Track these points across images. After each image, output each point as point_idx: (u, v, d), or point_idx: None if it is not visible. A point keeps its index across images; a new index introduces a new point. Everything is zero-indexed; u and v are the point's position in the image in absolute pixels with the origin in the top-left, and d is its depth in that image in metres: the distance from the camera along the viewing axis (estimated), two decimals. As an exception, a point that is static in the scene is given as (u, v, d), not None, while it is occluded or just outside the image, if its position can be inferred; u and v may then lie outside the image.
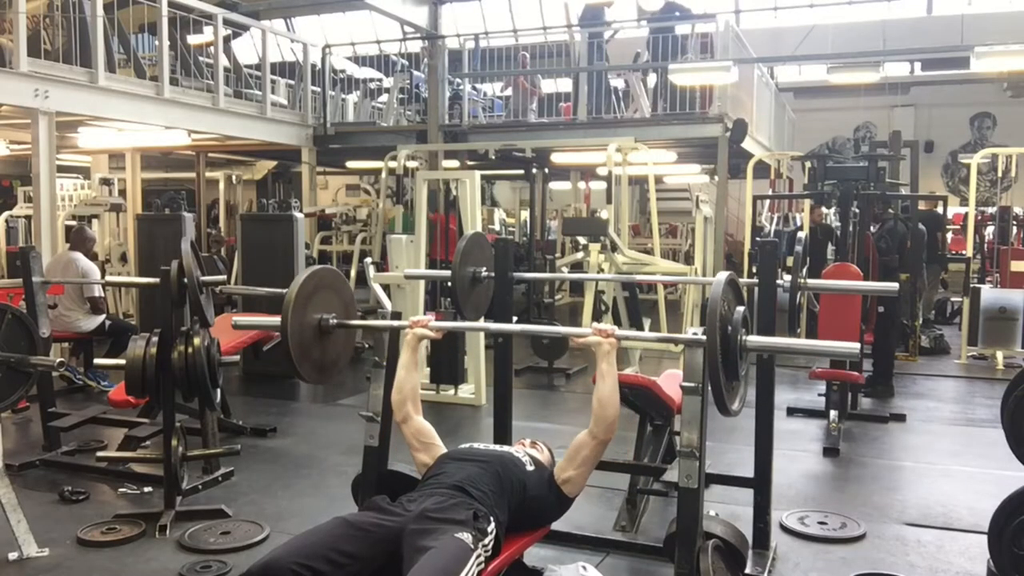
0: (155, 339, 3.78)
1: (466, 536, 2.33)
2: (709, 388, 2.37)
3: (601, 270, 6.23)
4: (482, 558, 2.36)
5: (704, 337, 2.32)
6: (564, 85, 10.97)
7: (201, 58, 9.76)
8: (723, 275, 2.44)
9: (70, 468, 4.73)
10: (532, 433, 3.36)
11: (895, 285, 3.73)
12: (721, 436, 5.13)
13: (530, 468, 2.77)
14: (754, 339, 2.50)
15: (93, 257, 7.48)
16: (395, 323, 2.92)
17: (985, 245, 10.44)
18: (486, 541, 2.41)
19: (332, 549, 2.30)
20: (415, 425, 2.87)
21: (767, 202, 10.29)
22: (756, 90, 10.60)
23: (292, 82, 11.04)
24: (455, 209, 7.55)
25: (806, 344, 2.59)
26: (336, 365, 2.84)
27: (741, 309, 2.46)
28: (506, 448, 2.93)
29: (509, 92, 11.04)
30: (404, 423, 2.87)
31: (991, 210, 10.51)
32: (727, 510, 3.64)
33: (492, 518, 2.50)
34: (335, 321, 2.75)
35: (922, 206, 8.89)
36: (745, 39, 10.59)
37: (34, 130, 6.98)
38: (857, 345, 2.42)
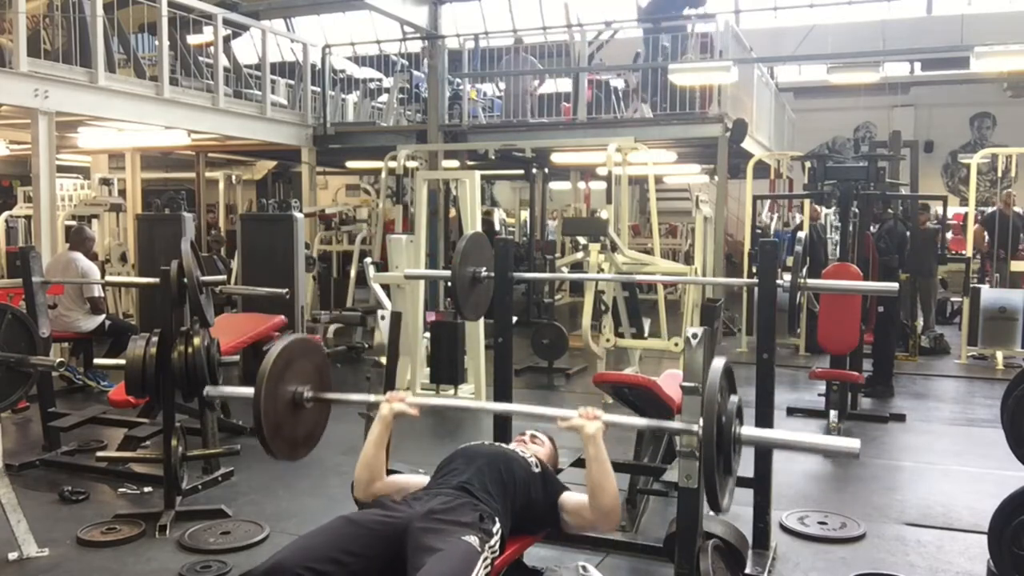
0: (155, 339, 3.78)
1: (473, 539, 2.33)
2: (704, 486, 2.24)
3: (601, 270, 6.23)
4: (488, 560, 2.35)
5: (697, 428, 2.22)
6: (564, 85, 10.95)
7: (201, 58, 9.75)
8: (719, 363, 2.28)
9: (70, 468, 4.73)
10: (532, 433, 3.35)
11: (895, 285, 3.72)
12: (721, 436, 5.12)
13: (536, 470, 2.75)
14: (749, 432, 2.36)
15: (93, 257, 7.48)
16: (372, 397, 2.80)
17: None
18: (492, 543, 2.41)
19: (337, 549, 2.29)
20: (381, 490, 2.72)
21: (767, 202, 10.29)
22: (756, 90, 10.60)
23: (292, 82, 11.03)
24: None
25: (802, 440, 2.44)
26: (309, 442, 2.72)
27: (735, 399, 2.33)
28: (512, 447, 2.91)
29: (501, 92, 11.02)
30: (368, 497, 2.72)
31: (991, 210, 10.50)
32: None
33: (497, 519, 2.50)
34: (310, 394, 2.64)
35: (922, 211, 8.89)
36: (745, 39, 10.59)
37: (34, 130, 6.98)
38: (858, 443, 2.21)
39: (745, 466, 3.54)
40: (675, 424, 2.36)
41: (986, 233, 9.26)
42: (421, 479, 2.77)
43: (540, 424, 3.17)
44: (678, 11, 9.77)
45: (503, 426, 3.52)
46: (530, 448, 2.94)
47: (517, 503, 2.63)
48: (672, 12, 9.78)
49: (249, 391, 2.50)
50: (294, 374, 2.61)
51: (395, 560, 2.34)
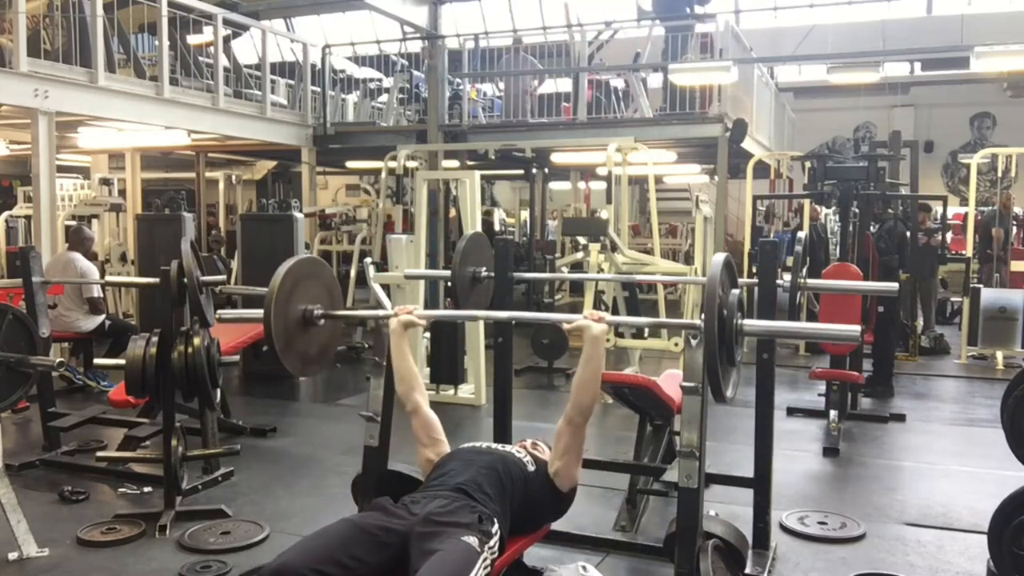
0: (155, 339, 3.78)
1: (472, 540, 2.33)
2: (707, 377, 2.33)
3: (601, 270, 6.23)
4: (488, 560, 2.36)
5: (700, 322, 2.29)
6: (564, 85, 10.95)
7: (201, 58, 9.75)
8: (720, 257, 2.40)
9: (70, 468, 4.73)
10: (532, 433, 3.34)
11: (895, 285, 3.73)
12: (721, 436, 5.13)
13: (531, 469, 2.76)
14: (751, 323, 2.46)
15: (92, 257, 7.48)
16: (380, 312, 2.91)
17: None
18: (491, 543, 2.42)
19: (342, 553, 2.29)
20: (424, 417, 2.86)
21: (767, 203, 10.30)
22: (756, 90, 10.60)
23: (292, 82, 11.04)
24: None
25: (804, 328, 2.53)
26: (322, 357, 2.82)
27: (736, 292, 2.42)
28: (508, 448, 2.92)
29: (501, 92, 11.02)
30: (415, 414, 2.86)
31: (988, 210, 10.50)
32: (727, 510, 3.64)
33: (496, 519, 2.50)
34: (320, 312, 2.73)
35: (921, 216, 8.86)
36: (745, 39, 10.59)
37: (34, 130, 6.98)
38: (857, 328, 2.38)
39: (745, 466, 3.56)
40: (682, 321, 2.43)
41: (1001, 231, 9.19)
42: (446, 445, 2.86)
43: (541, 421, 3.17)
44: (683, 10, 9.76)
45: (503, 427, 3.52)
46: (531, 452, 2.93)
47: (515, 503, 2.63)
48: (678, 10, 9.76)
49: (259, 313, 2.59)
50: (303, 293, 2.69)
51: (397, 567, 2.35)
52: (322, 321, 2.74)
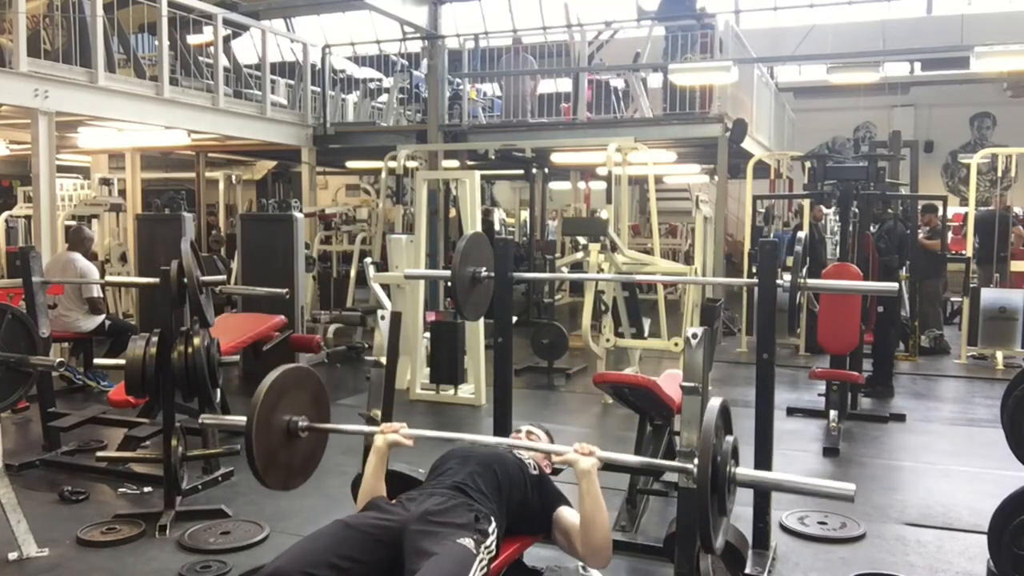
0: (155, 339, 3.78)
1: (468, 541, 2.32)
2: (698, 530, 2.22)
3: (601, 270, 6.22)
4: (485, 561, 2.35)
5: (693, 467, 2.20)
6: (564, 85, 10.95)
7: (201, 58, 9.75)
8: (716, 402, 2.26)
9: (70, 468, 4.73)
10: (532, 433, 3.34)
11: (895, 285, 3.72)
12: (721, 436, 5.12)
13: (534, 472, 2.75)
14: (743, 472, 2.33)
15: (92, 257, 7.48)
16: (367, 429, 2.79)
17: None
18: (488, 543, 2.41)
19: (335, 554, 2.29)
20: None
21: (767, 203, 10.28)
22: (756, 90, 10.60)
23: (292, 82, 11.04)
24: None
25: (796, 482, 2.39)
26: (306, 469, 2.72)
27: (730, 439, 2.31)
28: (509, 446, 2.90)
29: (501, 93, 11.01)
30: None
31: (985, 209, 10.48)
32: (727, 510, 3.64)
33: (493, 519, 2.49)
34: (305, 424, 2.63)
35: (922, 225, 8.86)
36: (745, 39, 10.58)
37: (34, 130, 6.98)
38: (853, 487, 2.19)
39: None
40: (672, 464, 2.35)
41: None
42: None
43: (541, 422, 3.17)
44: (687, 10, 9.76)
45: (503, 427, 3.52)
46: (529, 445, 2.93)
47: (512, 502, 2.63)
48: (680, 10, 9.76)
49: (242, 420, 2.50)
50: (289, 403, 2.59)
51: (393, 564, 2.34)
52: (307, 434, 2.66)
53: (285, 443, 2.58)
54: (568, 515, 2.69)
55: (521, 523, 2.70)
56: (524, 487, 2.68)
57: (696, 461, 2.19)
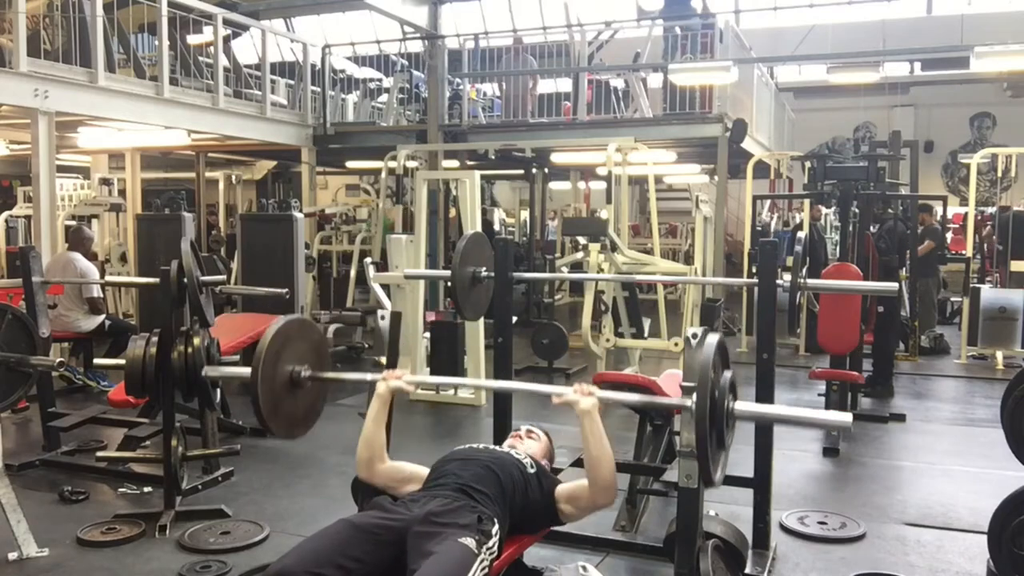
0: (155, 339, 3.78)
1: (469, 541, 2.33)
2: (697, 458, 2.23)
3: (601, 270, 6.23)
4: (486, 562, 2.35)
5: (691, 403, 2.21)
6: (564, 85, 10.94)
7: (201, 58, 9.75)
8: (714, 338, 2.30)
9: (70, 468, 4.73)
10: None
11: (895, 285, 3.73)
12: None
13: (532, 471, 2.75)
14: (741, 406, 2.35)
15: (92, 257, 7.47)
16: (369, 376, 2.80)
17: (985, 245, 10.43)
18: (490, 544, 2.41)
19: (340, 554, 2.29)
20: (384, 472, 2.75)
21: (767, 202, 10.29)
22: (756, 90, 10.60)
23: (292, 82, 11.03)
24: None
25: (795, 413, 2.37)
26: (308, 419, 2.74)
27: (728, 374, 2.33)
28: (506, 447, 2.91)
29: (500, 93, 11.01)
30: (372, 476, 2.75)
31: (991, 210, 10.49)
32: (727, 510, 3.64)
33: (496, 520, 2.50)
34: (308, 373, 2.66)
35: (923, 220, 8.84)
36: (745, 39, 10.58)
37: (34, 130, 6.97)
38: (850, 417, 2.24)
39: (745, 466, 3.55)
40: (669, 400, 2.36)
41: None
42: (422, 470, 2.76)
43: (541, 421, 3.17)
44: (687, 9, 9.75)
45: (502, 427, 3.52)
46: (525, 443, 2.94)
47: (515, 504, 2.63)
48: (681, 10, 9.76)
49: (246, 371, 2.53)
50: (291, 353, 2.62)
51: (397, 564, 2.34)
52: (309, 383, 2.67)
53: (289, 392, 2.62)
54: (567, 485, 2.72)
55: (525, 522, 2.70)
56: (525, 488, 2.68)
57: (694, 396, 2.20)
